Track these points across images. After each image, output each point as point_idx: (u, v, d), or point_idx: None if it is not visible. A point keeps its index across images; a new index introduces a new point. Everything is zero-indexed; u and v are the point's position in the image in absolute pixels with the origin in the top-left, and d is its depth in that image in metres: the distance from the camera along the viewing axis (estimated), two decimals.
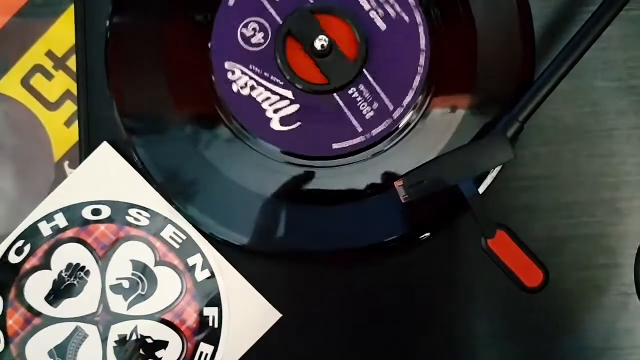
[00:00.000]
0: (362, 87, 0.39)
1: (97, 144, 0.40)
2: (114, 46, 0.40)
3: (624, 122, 0.41)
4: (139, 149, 0.39)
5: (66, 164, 0.49)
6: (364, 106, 0.39)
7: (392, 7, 0.39)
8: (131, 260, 0.40)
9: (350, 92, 0.39)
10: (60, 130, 0.49)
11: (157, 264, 0.39)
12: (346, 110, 0.39)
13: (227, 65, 0.39)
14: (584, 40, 0.37)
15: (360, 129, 0.39)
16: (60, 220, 0.40)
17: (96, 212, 0.40)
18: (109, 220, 0.40)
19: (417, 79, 0.39)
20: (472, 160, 0.37)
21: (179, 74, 0.40)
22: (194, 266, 0.40)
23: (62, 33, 0.47)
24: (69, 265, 0.39)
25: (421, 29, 0.39)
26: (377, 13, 0.39)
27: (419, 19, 0.39)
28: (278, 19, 0.40)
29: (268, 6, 0.40)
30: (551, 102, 0.38)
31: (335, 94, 0.39)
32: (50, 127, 0.49)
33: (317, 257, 0.39)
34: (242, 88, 0.39)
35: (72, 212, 0.40)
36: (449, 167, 0.37)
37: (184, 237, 0.40)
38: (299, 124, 0.39)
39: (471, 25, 0.40)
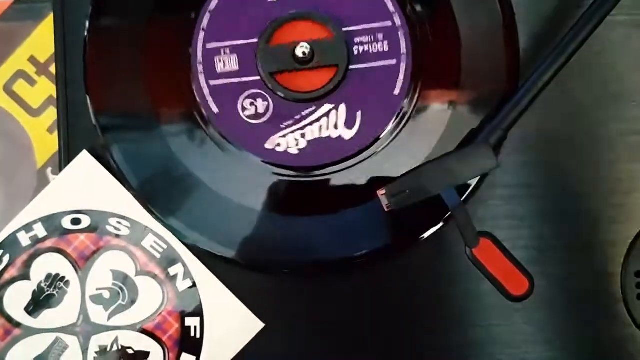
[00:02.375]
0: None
1: (77, 153, 0.40)
2: (92, 49, 0.40)
3: (609, 129, 0.40)
4: (117, 154, 0.39)
5: (49, 170, 0.48)
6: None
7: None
8: (111, 270, 0.39)
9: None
10: (43, 136, 0.49)
11: (137, 273, 0.39)
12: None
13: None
14: (568, 47, 0.37)
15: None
16: (39, 230, 0.39)
17: (76, 222, 0.39)
18: (88, 229, 0.39)
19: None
20: (455, 169, 0.36)
21: (158, 77, 0.39)
22: (175, 276, 0.39)
23: (44, 38, 0.47)
24: (48, 276, 0.39)
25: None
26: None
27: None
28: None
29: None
30: (535, 109, 0.38)
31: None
32: (32, 133, 0.49)
33: (299, 267, 0.39)
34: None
35: (51, 222, 0.39)
36: (432, 176, 0.36)
37: (165, 246, 0.39)
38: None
39: (456, 37, 0.39)
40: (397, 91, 0.39)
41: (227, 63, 0.39)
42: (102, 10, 0.40)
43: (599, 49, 0.40)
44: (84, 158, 0.39)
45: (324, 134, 0.39)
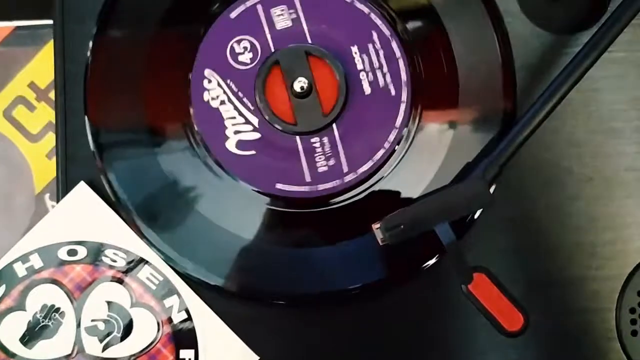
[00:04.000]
0: (325, 140, 0.39)
1: (75, 183, 0.40)
2: (93, 77, 0.40)
3: (606, 165, 0.40)
4: (114, 180, 0.39)
5: (47, 196, 0.48)
6: (320, 158, 0.39)
7: (384, 76, 0.39)
8: (107, 302, 0.39)
9: (313, 140, 0.39)
10: (42, 162, 0.49)
11: (132, 305, 0.39)
12: (302, 155, 0.39)
13: (206, 72, 0.39)
14: (565, 82, 0.37)
15: (307, 179, 0.39)
16: (36, 261, 0.39)
17: (72, 253, 0.39)
18: (84, 260, 0.39)
19: (381, 153, 0.39)
20: (450, 205, 0.36)
21: (159, 104, 0.40)
22: (171, 307, 0.39)
23: (44, 64, 0.47)
24: (44, 306, 0.39)
25: (402, 107, 0.39)
26: (367, 76, 0.39)
27: (404, 96, 0.39)
28: (272, 45, 0.39)
29: (266, 30, 0.39)
30: (532, 143, 0.38)
31: (297, 137, 0.39)
32: (31, 158, 0.49)
33: (295, 299, 0.39)
34: (212, 99, 0.39)
35: (47, 253, 0.39)
36: (427, 211, 0.36)
37: (161, 278, 0.39)
38: (253, 152, 0.39)
39: (454, 85, 0.39)
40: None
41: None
42: (104, 39, 0.40)
43: (596, 85, 0.40)
44: (82, 189, 0.40)
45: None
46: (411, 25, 0.40)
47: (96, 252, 0.39)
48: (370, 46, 0.39)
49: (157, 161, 0.39)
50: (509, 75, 0.39)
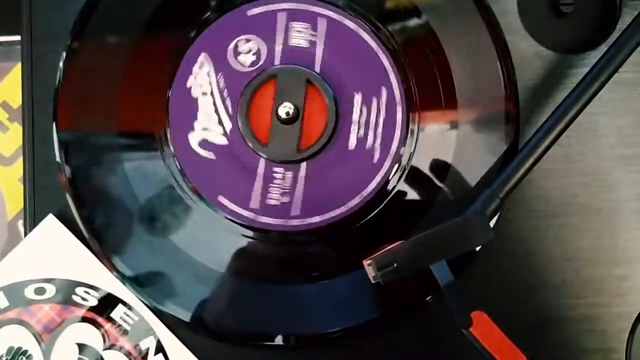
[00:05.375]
0: (288, 175, 0.36)
1: (44, 215, 0.37)
2: (63, 101, 0.37)
3: (616, 194, 0.37)
4: (85, 213, 0.36)
5: (19, 222, 0.46)
6: (275, 191, 0.36)
7: (375, 138, 0.36)
8: (77, 344, 0.36)
9: (276, 169, 0.36)
10: (15, 186, 0.47)
11: (106, 347, 0.36)
12: (259, 180, 0.36)
13: (201, 56, 0.36)
14: (572, 107, 0.34)
15: (252, 205, 0.36)
16: (1, 300, 0.37)
17: (40, 291, 0.37)
18: (53, 299, 0.37)
19: (335, 213, 0.36)
20: (447, 242, 0.34)
21: (133, 126, 0.37)
22: (147, 350, 0.36)
23: (17, 83, 0.45)
24: (10, 349, 0.36)
25: (378, 176, 0.36)
26: (358, 130, 0.36)
27: (385, 166, 0.36)
28: (277, 58, 0.37)
29: (279, 41, 0.37)
30: (536, 172, 0.35)
31: (262, 159, 0.36)
32: (3, 183, 0.47)
33: (273, 339, 0.36)
34: (195, 86, 0.36)
35: (13, 291, 0.37)
36: (423, 249, 0.34)
37: (136, 318, 0.37)
38: (213, 155, 0.36)
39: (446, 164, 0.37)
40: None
41: None
42: (76, 58, 0.37)
43: (604, 108, 0.38)
44: (50, 222, 0.37)
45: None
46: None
47: (66, 290, 0.37)
48: (374, 101, 0.36)
49: (130, 185, 0.37)
50: (512, 106, 0.37)
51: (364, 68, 0.36)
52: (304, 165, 0.36)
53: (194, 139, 0.36)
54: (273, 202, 0.36)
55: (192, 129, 0.36)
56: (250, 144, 0.36)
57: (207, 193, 0.36)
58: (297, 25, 0.37)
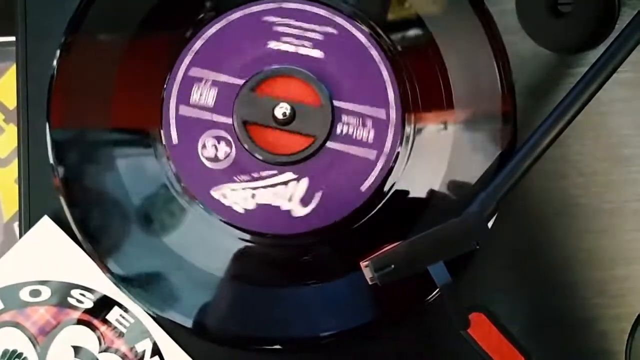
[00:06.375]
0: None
1: (39, 216, 0.37)
2: (56, 94, 0.37)
3: (616, 195, 0.37)
4: (80, 215, 0.36)
5: (15, 224, 0.46)
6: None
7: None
8: (73, 347, 0.36)
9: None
10: (11, 188, 0.46)
11: (102, 350, 0.36)
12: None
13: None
14: (571, 107, 0.34)
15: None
16: None
17: (35, 293, 0.36)
18: (49, 301, 0.36)
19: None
20: (444, 243, 0.33)
21: (127, 123, 0.37)
22: (143, 352, 0.36)
23: (13, 84, 0.44)
24: (5, 352, 0.36)
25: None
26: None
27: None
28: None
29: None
30: (535, 173, 0.35)
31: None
32: (0, 184, 0.46)
33: (271, 343, 0.36)
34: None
35: (8, 294, 0.36)
36: (420, 251, 0.33)
37: (132, 320, 0.36)
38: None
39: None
40: (364, 187, 0.36)
41: (204, 96, 0.36)
42: (70, 56, 0.37)
43: (603, 108, 0.37)
44: (45, 224, 0.37)
45: (275, 202, 0.36)
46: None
47: (61, 293, 0.36)
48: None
49: (124, 186, 0.36)
50: (510, 106, 0.36)
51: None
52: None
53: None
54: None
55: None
56: (260, 157, 0.36)
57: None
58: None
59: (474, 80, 0.36)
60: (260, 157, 0.36)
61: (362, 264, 0.34)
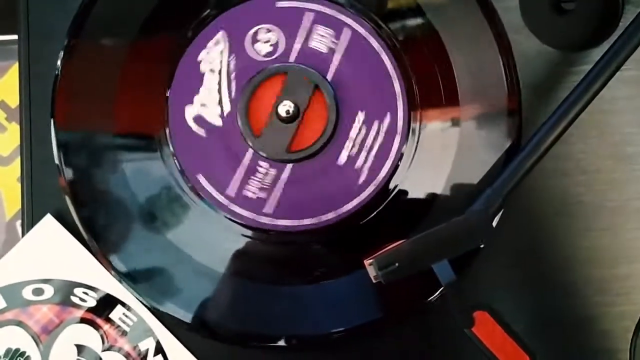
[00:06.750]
0: (272, 172, 0.36)
1: (42, 215, 0.37)
2: (61, 92, 0.37)
3: (619, 193, 0.37)
4: (83, 213, 0.36)
5: (18, 223, 0.46)
6: (254, 184, 0.36)
7: (365, 160, 0.36)
8: (76, 345, 0.36)
9: (262, 163, 0.36)
10: (13, 186, 0.46)
11: (105, 348, 0.36)
12: (241, 169, 0.36)
13: (220, 34, 0.36)
14: (575, 105, 0.34)
15: (229, 192, 0.36)
16: None
17: (38, 292, 0.36)
18: (51, 300, 0.36)
19: (308, 221, 0.36)
20: (449, 241, 0.33)
21: (130, 123, 0.37)
22: (146, 351, 0.36)
23: (15, 83, 0.44)
24: (8, 350, 0.36)
25: (356, 200, 0.36)
26: (351, 148, 0.36)
27: (364, 193, 0.36)
28: (293, 56, 0.36)
29: (299, 39, 0.36)
30: (539, 171, 0.35)
31: (250, 150, 0.36)
32: (2, 183, 0.46)
33: (274, 340, 0.36)
34: (205, 61, 0.36)
35: (11, 292, 0.36)
36: (424, 249, 0.33)
37: (135, 319, 0.36)
38: (203, 133, 0.36)
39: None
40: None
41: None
42: (74, 54, 0.37)
43: (607, 106, 0.37)
44: (48, 222, 0.36)
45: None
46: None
47: (64, 291, 0.36)
48: (376, 124, 0.36)
49: (128, 184, 0.36)
50: (514, 104, 0.36)
51: (375, 88, 0.36)
52: (289, 166, 0.36)
53: (190, 112, 0.36)
54: (249, 194, 0.36)
55: (191, 102, 0.36)
56: (242, 131, 0.36)
57: (187, 166, 0.36)
58: (321, 29, 0.36)
59: (480, 78, 0.36)
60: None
61: (366, 262, 0.34)
